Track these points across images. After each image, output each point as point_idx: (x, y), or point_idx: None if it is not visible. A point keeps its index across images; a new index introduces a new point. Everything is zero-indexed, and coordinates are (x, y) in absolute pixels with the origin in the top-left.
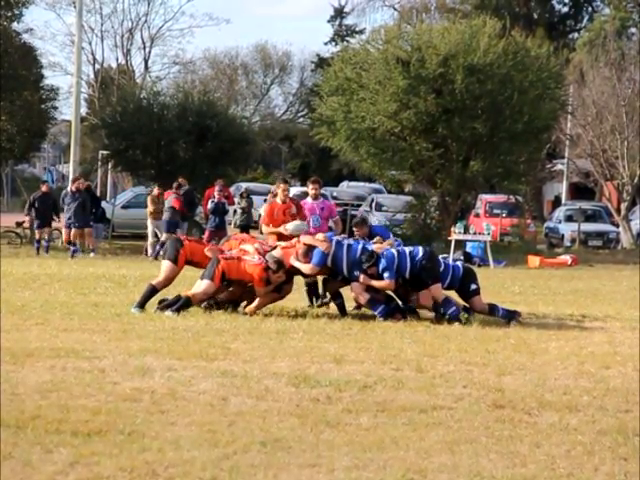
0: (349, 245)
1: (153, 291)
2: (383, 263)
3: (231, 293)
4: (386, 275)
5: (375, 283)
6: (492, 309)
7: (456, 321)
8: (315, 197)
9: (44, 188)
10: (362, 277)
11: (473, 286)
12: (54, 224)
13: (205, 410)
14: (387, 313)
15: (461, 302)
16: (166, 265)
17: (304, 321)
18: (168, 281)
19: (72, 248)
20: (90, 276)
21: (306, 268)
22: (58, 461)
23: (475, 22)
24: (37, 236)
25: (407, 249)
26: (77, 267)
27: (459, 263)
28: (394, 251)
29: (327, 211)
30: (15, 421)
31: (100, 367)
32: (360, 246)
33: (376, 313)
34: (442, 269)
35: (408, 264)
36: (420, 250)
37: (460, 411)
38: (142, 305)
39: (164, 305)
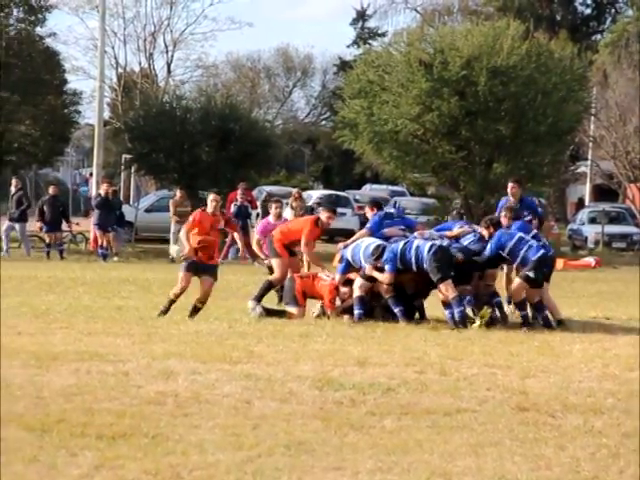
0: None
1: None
2: (385, 255)
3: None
4: (387, 267)
5: (377, 275)
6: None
7: (462, 325)
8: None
9: (51, 190)
10: (368, 268)
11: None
12: (65, 227)
13: (229, 413)
14: (365, 315)
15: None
16: (290, 309)
17: (327, 324)
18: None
19: (100, 251)
20: (114, 280)
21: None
22: (83, 464)
23: (498, 24)
24: (47, 240)
25: (416, 243)
26: (101, 271)
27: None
28: (401, 244)
29: None
30: (40, 424)
31: (124, 370)
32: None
33: (356, 312)
34: (513, 242)
35: (412, 257)
36: (425, 248)
37: (484, 414)
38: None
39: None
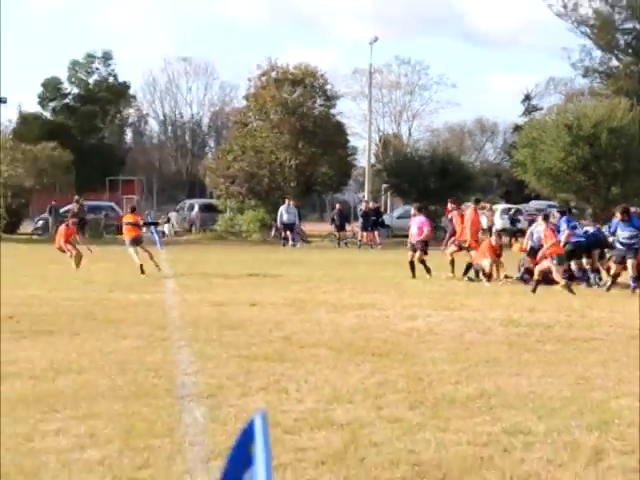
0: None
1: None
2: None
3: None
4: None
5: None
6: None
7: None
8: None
9: (338, 206)
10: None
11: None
12: (348, 228)
13: (450, 341)
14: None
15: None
16: (483, 264)
17: (509, 287)
18: None
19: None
20: (379, 260)
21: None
22: (364, 370)
23: (613, 101)
24: (337, 235)
25: (590, 230)
26: (371, 255)
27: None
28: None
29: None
30: (337, 347)
31: (386, 315)
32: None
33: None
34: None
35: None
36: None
37: (608, 341)
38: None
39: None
